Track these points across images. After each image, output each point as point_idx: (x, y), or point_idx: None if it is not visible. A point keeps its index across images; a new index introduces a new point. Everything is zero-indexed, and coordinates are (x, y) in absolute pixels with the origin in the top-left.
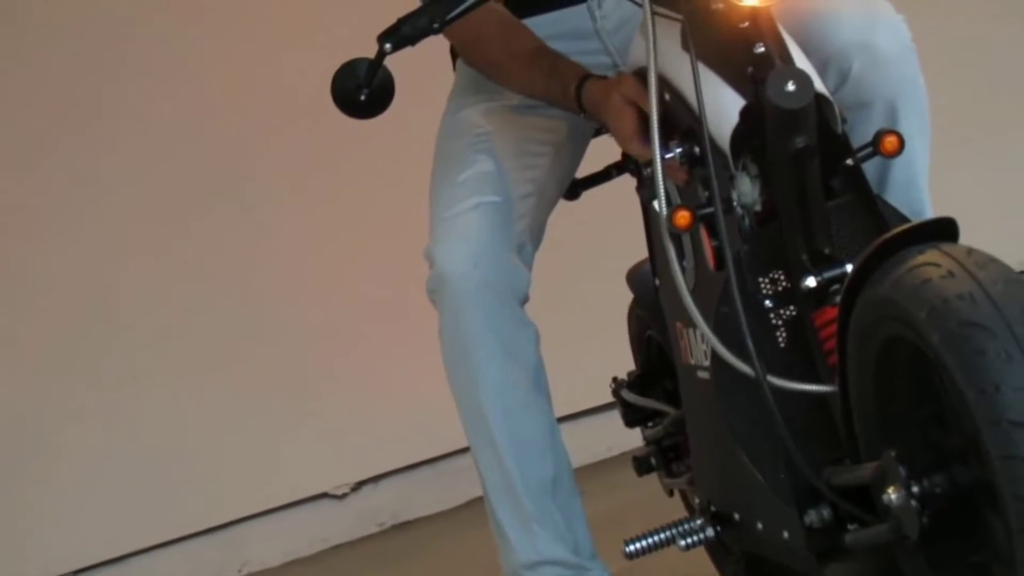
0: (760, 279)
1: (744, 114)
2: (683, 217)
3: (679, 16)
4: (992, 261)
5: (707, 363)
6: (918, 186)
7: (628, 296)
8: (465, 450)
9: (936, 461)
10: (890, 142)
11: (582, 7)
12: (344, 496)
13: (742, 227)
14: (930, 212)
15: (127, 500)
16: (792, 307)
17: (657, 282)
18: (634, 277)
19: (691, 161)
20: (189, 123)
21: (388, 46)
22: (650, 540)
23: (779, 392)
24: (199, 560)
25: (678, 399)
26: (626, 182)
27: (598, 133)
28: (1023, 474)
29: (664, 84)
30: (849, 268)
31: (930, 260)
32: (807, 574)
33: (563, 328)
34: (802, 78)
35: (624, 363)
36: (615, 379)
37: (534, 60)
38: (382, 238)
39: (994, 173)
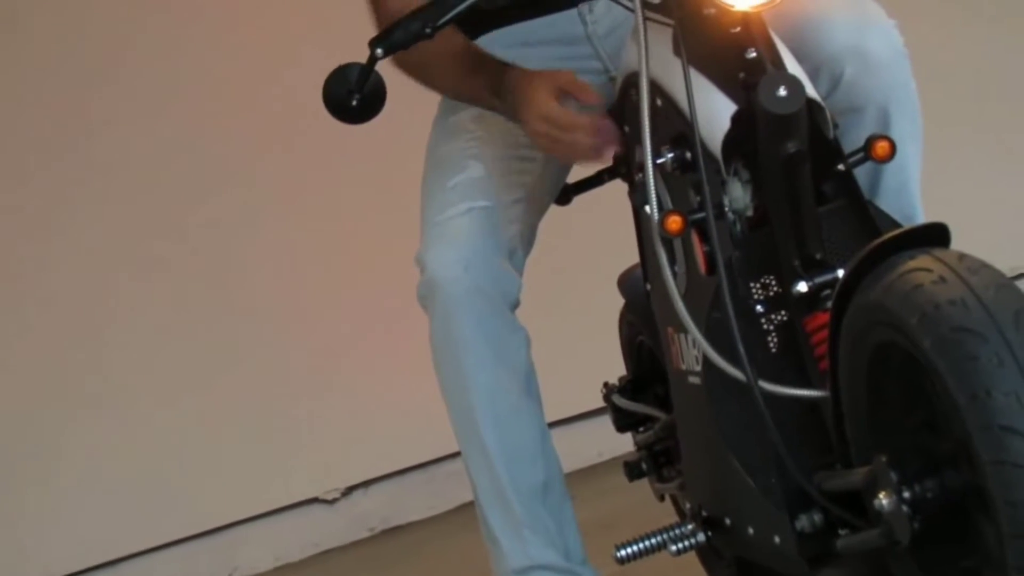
0: (752, 284)
1: (736, 119)
2: (674, 222)
3: (670, 21)
4: (984, 266)
5: (698, 368)
6: (910, 191)
7: (619, 301)
8: (455, 455)
9: (927, 466)
10: (882, 147)
11: (573, 12)
12: (335, 501)
13: (734, 232)
14: (922, 217)
15: (118, 505)
16: (784, 312)
17: (648, 287)
18: (625, 282)
19: (683, 166)
20: (179, 140)
21: (380, 51)
22: (641, 545)
23: (770, 397)
24: (190, 565)
25: (669, 404)
26: (617, 187)
27: None
28: (1014, 479)
29: (656, 89)
30: (840, 273)
31: (922, 265)
32: None
33: (554, 333)
34: (793, 83)
35: (615, 368)
36: (606, 384)
37: (459, 58)
38: (372, 244)
39: (986, 178)
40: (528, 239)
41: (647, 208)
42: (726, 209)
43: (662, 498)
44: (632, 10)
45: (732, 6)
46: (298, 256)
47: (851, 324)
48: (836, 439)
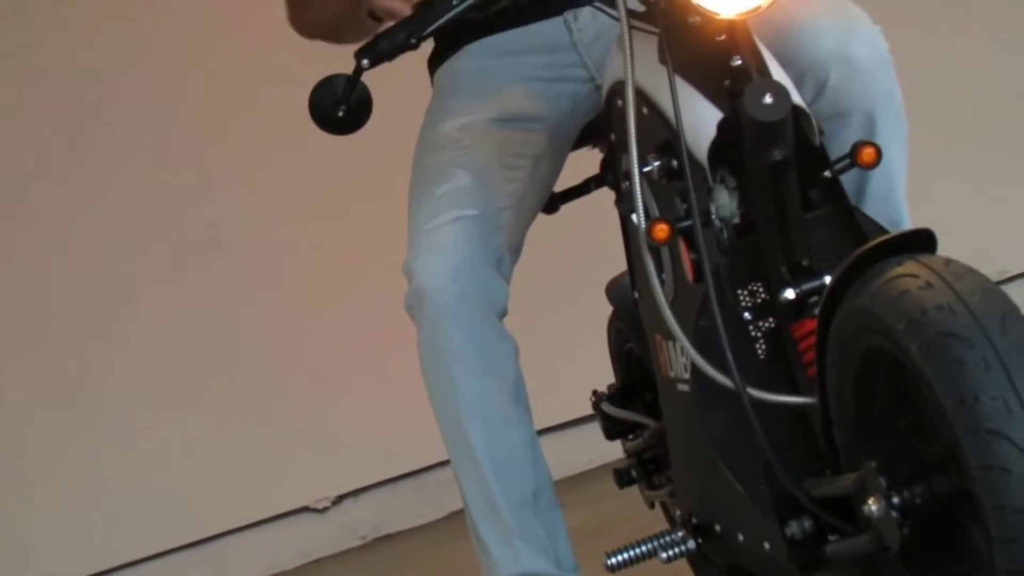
0: (739, 291)
1: (722, 127)
2: (662, 230)
3: (656, 29)
4: (970, 272)
5: (687, 375)
6: (896, 196)
7: (607, 309)
8: (445, 463)
9: (916, 472)
10: (868, 154)
11: (558, 20)
12: (325, 510)
13: (720, 240)
14: (908, 222)
15: (108, 516)
16: (771, 319)
17: (636, 295)
18: (613, 290)
19: (669, 174)
20: (185, 143)
21: (366, 62)
22: (632, 553)
23: (759, 404)
24: (181, 575)
25: (658, 411)
26: (604, 195)
27: (577, 146)
28: (1002, 483)
29: (642, 97)
30: (828, 280)
31: (908, 271)
32: None
33: (543, 341)
34: (779, 91)
35: (604, 375)
36: (595, 392)
37: None
38: (361, 255)
39: (972, 183)
40: (516, 247)
41: (634, 216)
42: (713, 217)
43: (652, 505)
44: (617, 18)
45: (717, 14)
46: (287, 267)
47: (839, 330)
48: (825, 445)
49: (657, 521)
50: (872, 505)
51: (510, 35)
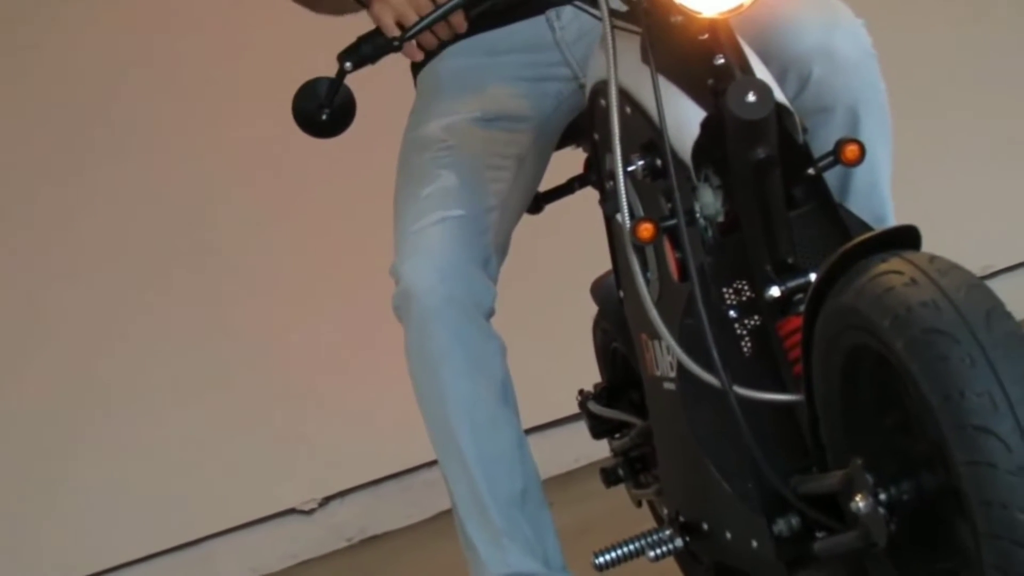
0: (724, 290)
1: (705, 126)
2: (646, 229)
3: (638, 29)
4: (954, 267)
5: (673, 374)
6: (880, 191)
7: (593, 308)
8: (432, 463)
9: (903, 468)
10: (851, 151)
11: (540, 19)
12: (312, 511)
13: (705, 238)
14: (893, 217)
15: (92, 519)
16: (757, 317)
17: (621, 294)
18: (598, 289)
19: (653, 174)
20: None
21: (348, 65)
22: (620, 552)
23: (745, 402)
24: None
25: (644, 410)
26: (589, 194)
27: (561, 146)
28: (989, 479)
29: (625, 97)
30: (813, 277)
31: (893, 268)
32: None
33: (529, 340)
34: (762, 89)
35: (590, 374)
36: (581, 391)
37: None
38: (349, 258)
39: (956, 178)
40: (502, 247)
41: (619, 216)
42: (697, 215)
43: (639, 504)
44: (600, 18)
45: (699, 13)
46: (273, 271)
47: (824, 328)
48: (812, 443)
49: (644, 520)
50: (859, 502)
51: (492, 35)
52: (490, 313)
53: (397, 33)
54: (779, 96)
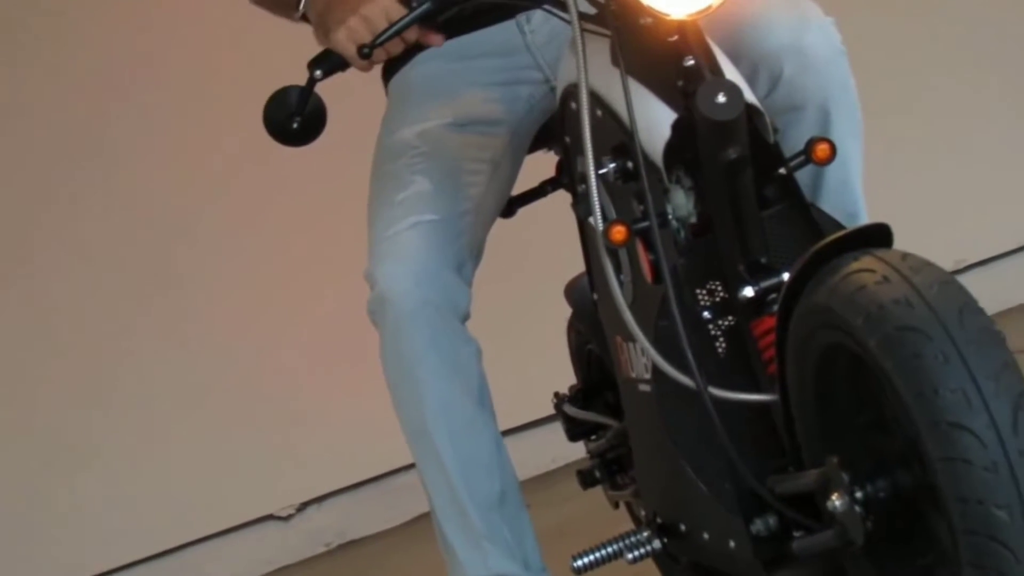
0: (698, 291)
1: (676, 127)
2: (619, 232)
3: (608, 32)
4: (926, 265)
5: (648, 376)
6: (852, 188)
7: (567, 310)
8: (409, 467)
9: (879, 466)
10: (822, 150)
11: (510, 23)
12: (289, 517)
13: (678, 240)
14: (865, 214)
15: (71, 527)
16: (731, 317)
17: (595, 296)
18: (572, 291)
19: (625, 176)
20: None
21: (318, 73)
22: (598, 554)
23: (721, 403)
24: None
25: (620, 411)
26: (560, 197)
27: (532, 149)
28: (964, 475)
29: (595, 100)
30: (786, 277)
31: (865, 266)
32: None
33: (504, 343)
34: (732, 90)
35: (565, 376)
36: (556, 394)
37: None
38: (325, 263)
39: (926, 174)
40: (476, 251)
41: (591, 219)
42: (670, 217)
43: (616, 505)
44: (569, 21)
45: (668, 15)
46: (249, 275)
47: (798, 327)
48: (787, 442)
49: (621, 521)
50: (836, 500)
51: (463, 40)
52: (465, 317)
53: (362, 63)
54: (749, 96)
